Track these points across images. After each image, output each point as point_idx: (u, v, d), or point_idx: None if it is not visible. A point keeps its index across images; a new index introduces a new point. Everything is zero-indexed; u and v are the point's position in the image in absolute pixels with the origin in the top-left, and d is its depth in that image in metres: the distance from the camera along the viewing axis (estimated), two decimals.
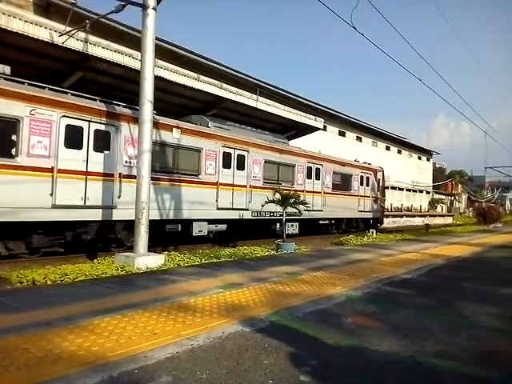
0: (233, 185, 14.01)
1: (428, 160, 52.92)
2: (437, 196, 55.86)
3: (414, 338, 3.91)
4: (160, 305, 4.59)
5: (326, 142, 30.25)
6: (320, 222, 18.66)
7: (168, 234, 12.05)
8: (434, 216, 45.78)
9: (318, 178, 18.18)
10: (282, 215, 13.12)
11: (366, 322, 4.36)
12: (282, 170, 16.50)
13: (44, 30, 10.79)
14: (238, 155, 14.41)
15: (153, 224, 9.24)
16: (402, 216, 38.67)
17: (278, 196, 12.82)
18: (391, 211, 39.26)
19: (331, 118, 30.72)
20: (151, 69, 8.32)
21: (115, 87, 14.60)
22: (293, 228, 16.14)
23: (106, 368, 2.89)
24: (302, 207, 13.26)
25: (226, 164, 13.85)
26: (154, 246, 10.37)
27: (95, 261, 8.05)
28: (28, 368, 2.84)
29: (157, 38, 8.95)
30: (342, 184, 19.82)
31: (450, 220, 46.73)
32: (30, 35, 10.58)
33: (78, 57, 12.29)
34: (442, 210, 56.11)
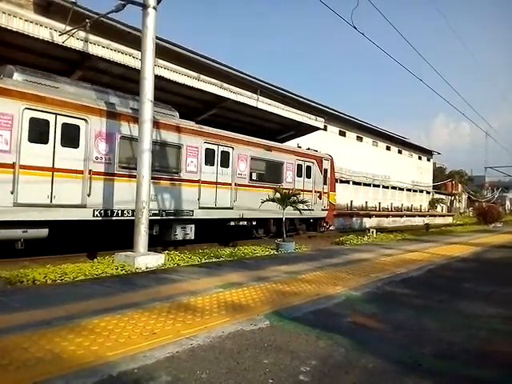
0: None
1: (428, 160, 52.91)
2: (437, 196, 55.85)
3: (413, 338, 3.91)
4: (160, 304, 4.59)
5: (326, 141, 30.23)
6: (232, 224, 14.25)
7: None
8: (434, 216, 45.79)
9: (225, 164, 13.62)
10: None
11: (366, 322, 4.36)
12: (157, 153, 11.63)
13: (44, 29, 10.79)
14: None
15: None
16: (402, 216, 38.68)
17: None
18: (391, 211, 39.28)
19: (332, 117, 30.70)
20: (151, 68, 8.31)
21: (115, 87, 14.60)
22: (184, 232, 12.25)
23: (106, 367, 2.89)
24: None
25: None
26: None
27: (95, 260, 8.05)
28: (27, 367, 2.84)
29: (157, 38, 8.94)
30: (268, 174, 15.37)
31: (450, 220, 46.73)
32: (31, 34, 10.58)
33: (78, 56, 12.30)
34: (442, 210, 56.10)
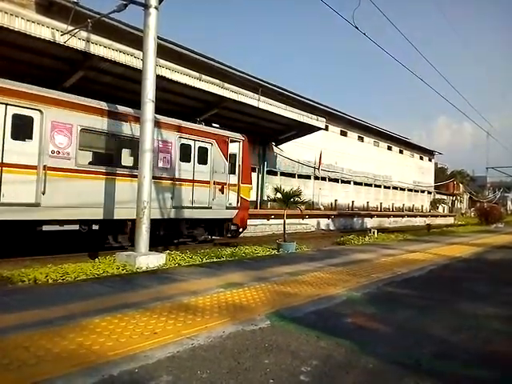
0: None
1: (430, 160, 52.83)
2: (438, 196, 55.76)
3: (414, 339, 3.91)
4: (161, 304, 4.59)
5: (328, 141, 30.25)
6: (44, 229, 9.43)
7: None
8: (436, 216, 45.76)
9: (23, 135, 9.15)
10: None
11: (367, 323, 4.36)
12: None
13: (46, 29, 10.83)
14: None
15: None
16: (403, 216, 38.67)
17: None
18: (393, 211, 39.25)
19: (333, 117, 30.69)
20: (153, 68, 8.32)
21: (117, 86, 14.64)
22: None
23: (107, 367, 2.90)
24: None
25: None
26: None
27: (96, 260, 8.06)
28: (28, 367, 2.84)
29: (158, 37, 8.95)
30: (119, 156, 10.83)
31: (451, 220, 46.68)
32: (32, 34, 10.62)
33: (79, 56, 12.33)
34: (444, 211, 56.03)
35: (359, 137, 36.21)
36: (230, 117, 19.70)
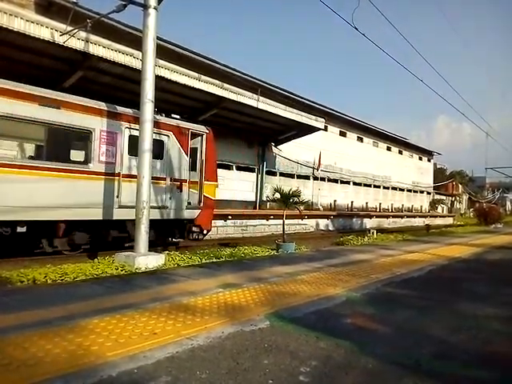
0: None
1: (429, 160, 52.84)
2: (437, 197, 55.79)
3: (413, 339, 3.91)
4: (160, 304, 4.59)
5: (327, 142, 30.25)
6: None
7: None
8: (435, 216, 45.78)
9: None
10: None
11: (366, 323, 4.36)
12: None
13: (45, 29, 10.83)
14: None
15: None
16: (402, 216, 38.67)
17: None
18: (392, 211, 39.26)
19: (332, 118, 30.69)
20: (152, 68, 8.32)
21: (116, 87, 14.64)
22: None
23: (106, 367, 2.89)
24: None
25: None
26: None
27: (95, 260, 8.06)
28: (27, 367, 2.84)
29: (158, 38, 8.95)
30: (52, 148, 9.57)
31: (450, 221, 46.70)
32: (32, 34, 10.62)
33: (78, 56, 12.33)
34: (443, 211, 56.05)
35: (358, 137, 36.22)
36: (229, 117, 19.72)
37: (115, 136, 10.41)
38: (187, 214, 12.25)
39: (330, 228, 26.79)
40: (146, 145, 8.31)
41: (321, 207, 29.69)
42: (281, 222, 13.30)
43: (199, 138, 12.78)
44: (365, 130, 36.60)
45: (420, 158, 49.55)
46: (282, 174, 26.84)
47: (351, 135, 35.05)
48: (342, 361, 3.28)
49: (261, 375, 2.93)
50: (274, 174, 26.04)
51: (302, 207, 13.31)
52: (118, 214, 10.36)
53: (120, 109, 10.62)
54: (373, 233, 17.43)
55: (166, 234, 12.14)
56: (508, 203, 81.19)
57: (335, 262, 8.61)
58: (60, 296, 5.02)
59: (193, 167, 12.64)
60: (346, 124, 33.94)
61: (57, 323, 3.79)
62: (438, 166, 65.88)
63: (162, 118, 11.94)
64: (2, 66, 11.06)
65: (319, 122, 22.55)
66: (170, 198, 11.65)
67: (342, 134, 33.90)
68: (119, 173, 10.44)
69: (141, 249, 8.07)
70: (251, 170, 24.09)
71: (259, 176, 24.44)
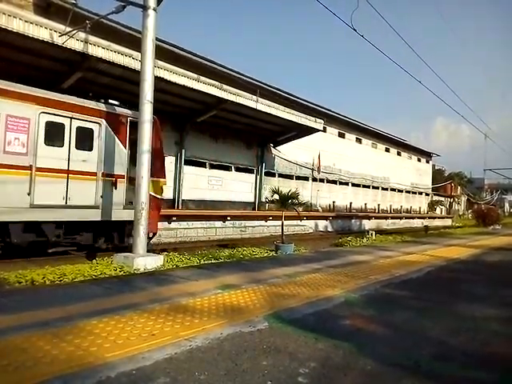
0: None
1: (427, 162, 52.88)
2: (436, 198, 55.82)
3: (412, 340, 3.91)
4: (158, 306, 4.58)
5: (326, 143, 30.25)
6: None
7: None
8: (434, 218, 45.80)
9: None
10: None
11: (365, 324, 4.36)
12: None
13: (44, 30, 10.81)
14: None
15: None
16: (401, 218, 38.68)
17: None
18: (390, 213, 39.28)
19: (331, 119, 30.68)
20: (151, 70, 8.32)
21: (115, 88, 14.62)
22: None
23: (104, 369, 2.89)
24: None
25: None
26: None
27: (94, 261, 8.06)
28: (26, 368, 2.84)
29: (157, 39, 8.96)
30: None
31: (449, 222, 46.74)
32: (30, 35, 10.60)
33: (78, 57, 12.31)
34: (442, 212, 56.08)
35: (357, 138, 36.23)
36: (228, 118, 19.72)
37: (26, 123, 8.97)
38: (126, 214, 10.34)
39: (329, 229, 26.79)
40: (145, 146, 8.32)
41: (320, 208, 29.67)
42: (280, 223, 13.31)
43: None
44: (363, 132, 36.63)
45: (419, 160, 49.60)
46: (280, 175, 26.83)
47: (350, 136, 35.07)
48: (341, 362, 3.28)
49: (259, 376, 2.92)
50: (273, 175, 26.03)
51: (300, 208, 13.32)
52: (32, 216, 8.92)
53: (32, 90, 9.10)
54: (371, 234, 17.44)
55: (107, 237, 10.70)
56: (506, 204, 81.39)
57: (334, 263, 8.61)
58: (58, 297, 5.01)
59: (134, 161, 10.37)
60: (345, 125, 33.97)
61: (55, 324, 3.78)
62: (437, 168, 65.96)
63: (92, 103, 10.21)
64: (0, 67, 11.05)
65: (318, 123, 22.55)
66: (102, 197, 10.07)
67: (341, 135, 33.92)
68: (31, 166, 8.94)
69: (139, 250, 8.06)
70: (250, 171, 24.07)
71: (258, 177, 24.43)
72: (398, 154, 43.96)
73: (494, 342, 4.05)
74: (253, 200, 24.24)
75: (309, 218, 24.72)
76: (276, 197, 12.96)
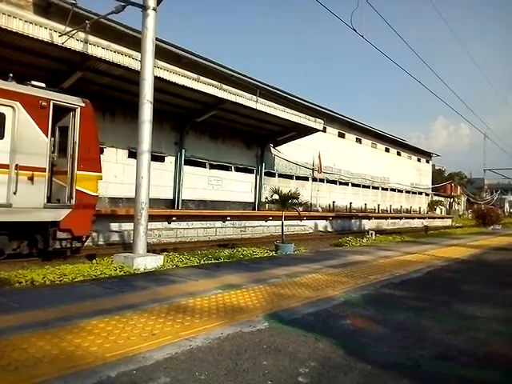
0: None
1: (427, 162, 52.92)
2: (436, 198, 55.87)
3: (412, 340, 3.91)
4: (159, 305, 4.58)
5: (326, 143, 30.26)
6: None
7: None
8: (434, 218, 45.80)
9: None
10: None
11: (365, 324, 4.36)
12: None
13: (44, 30, 10.82)
14: None
15: None
16: (401, 218, 38.69)
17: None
18: (390, 213, 39.29)
19: (331, 119, 30.72)
20: (151, 69, 8.32)
21: (115, 88, 14.63)
22: None
23: (104, 368, 2.89)
24: None
25: None
26: None
27: (94, 261, 8.06)
28: (26, 368, 2.83)
29: (157, 39, 8.96)
30: None
31: (449, 222, 46.74)
32: (30, 35, 10.61)
33: (77, 57, 12.33)
34: (441, 212, 56.11)
35: (357, 139, 36.25)
36: (228, 118, 19.73)
37: None
38: (48, 214, 9.09)
39: (329, 229, 26.79)
40: (145, 146, 8.30)
41: (320, 208, 29.68)
42: (279, 223, 13.32)
43: (70, 112, 9.59)
44: (363, 132, 36.65)
45: (418, 160, 49.63)
46: (280, 175, 26.84)
47: (350, 136, 35.09)
48: (341, 362, 3.27)
49: (260, 376, 2.92)
50: (272, 175, 26.04)
51: (300, 208, 13.33)
52: None
53: None
54: (371, 234, 17.44)
55: (30, 241, 9.38)
56: (506, 205, 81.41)
57: (334, 263, 8.61)
58: (58, 297, 5.00)
59: (60, 152, 9.57)
60: (345, 125, 33.99)
61: (55, 324, 3.78)
62: (437, 168, 66.06)
63: (3, 83, 8.83)
64: (0, 67, 11.04)
65: (318, 123, 22.57)
66: (15, 193, 8.58)
67: (341, 136, 33.93)
68: None
69: (139, 250, 8.06)
70: (250, 171, 24.09)
71: (258, 177, 24.44)
72: (398, 154, 43.97)
73: (495, 342, 4.05)
74: (253, 200, 24.25)
75: (309, 218, 24.73)
76: (276, 197, 12.97)
